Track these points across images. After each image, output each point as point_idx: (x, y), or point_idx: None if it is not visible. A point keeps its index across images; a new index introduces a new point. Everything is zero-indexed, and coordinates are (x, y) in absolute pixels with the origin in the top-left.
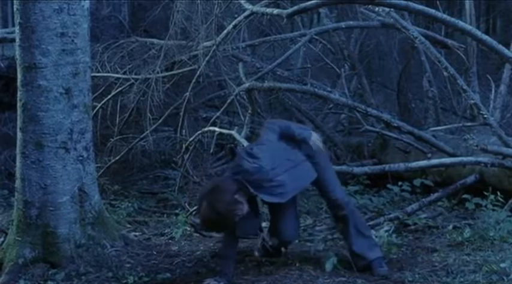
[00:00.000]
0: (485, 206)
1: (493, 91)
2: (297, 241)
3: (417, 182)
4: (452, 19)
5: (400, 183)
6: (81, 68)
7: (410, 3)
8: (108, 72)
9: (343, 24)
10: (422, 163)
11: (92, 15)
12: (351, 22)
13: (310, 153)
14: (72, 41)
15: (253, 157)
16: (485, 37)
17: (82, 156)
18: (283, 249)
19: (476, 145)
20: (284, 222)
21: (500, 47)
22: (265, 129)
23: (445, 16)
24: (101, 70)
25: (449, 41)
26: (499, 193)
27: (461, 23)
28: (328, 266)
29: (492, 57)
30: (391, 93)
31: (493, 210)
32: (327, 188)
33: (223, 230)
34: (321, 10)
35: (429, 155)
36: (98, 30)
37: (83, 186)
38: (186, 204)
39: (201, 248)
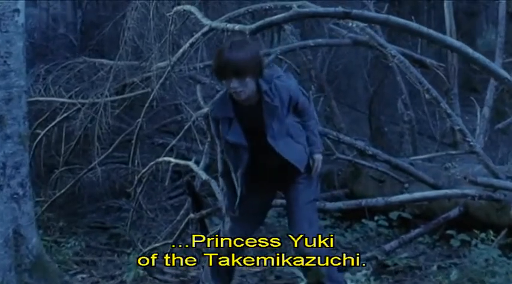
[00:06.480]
0: (476, 245)
1: (478, 115)
2: None
3: (394, 215)
4: (440, 35)
5: (376, 218)
6: (15, 93)
7: (391, 17)
8: (53, 96)
9: (311, 42)
10: (403, 197)
11: (43, 34)
12: (320, 40)
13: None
14: (5, 62)
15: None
16: (477, 55)
17: (17, 194)
18: None
19: (465, 177)
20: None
21: (494, 66)
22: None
23: (431, 31)
24: (44, 94)
25: (428, 60)
26: (491, 231)
27: (449, 39)
28: None
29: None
30: (360, 115)
31: (483, 249)
32: (293, 225)
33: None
34: (286, 27)
35: (406, 185)
36: (48, 49)
37: (18, 228)
38: (139, 243)
39: None
